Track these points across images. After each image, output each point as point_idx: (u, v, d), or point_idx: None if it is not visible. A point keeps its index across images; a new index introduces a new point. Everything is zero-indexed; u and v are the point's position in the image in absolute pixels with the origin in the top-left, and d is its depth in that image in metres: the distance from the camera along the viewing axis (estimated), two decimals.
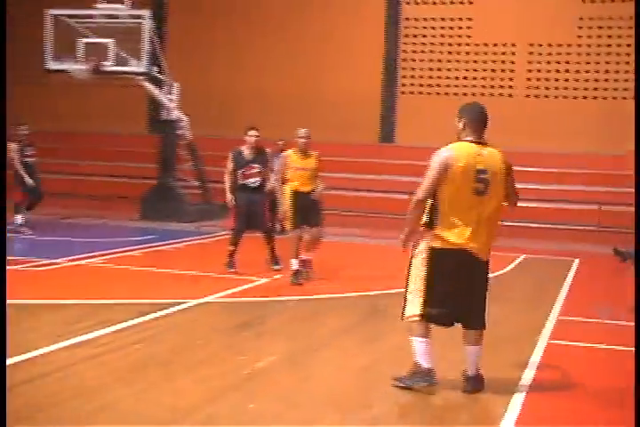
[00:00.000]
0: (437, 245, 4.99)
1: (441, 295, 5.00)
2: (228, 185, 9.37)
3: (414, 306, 5.03)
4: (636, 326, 6.49)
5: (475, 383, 5.12)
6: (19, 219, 12.28)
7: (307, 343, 6.22)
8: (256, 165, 9.31)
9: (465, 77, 17.25)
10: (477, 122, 5.07)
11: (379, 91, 17.74)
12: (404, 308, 5.12)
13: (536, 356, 6.06)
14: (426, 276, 5.02)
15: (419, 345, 5.08)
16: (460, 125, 5.09)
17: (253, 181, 9.29)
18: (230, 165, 9.42)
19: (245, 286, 8.58)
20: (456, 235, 4.94)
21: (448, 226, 4.95)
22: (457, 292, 5.01)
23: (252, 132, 9.36)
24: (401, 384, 5.15)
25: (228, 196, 9.33)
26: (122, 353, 5.65)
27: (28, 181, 12.18)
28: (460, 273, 5.00)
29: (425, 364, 5.08)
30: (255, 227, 9.50)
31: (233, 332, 6.55)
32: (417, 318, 5.04)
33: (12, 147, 12.25)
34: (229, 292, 8.25)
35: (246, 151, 9.38)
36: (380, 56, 17.71)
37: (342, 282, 9.36)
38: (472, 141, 5.05)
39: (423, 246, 5.05)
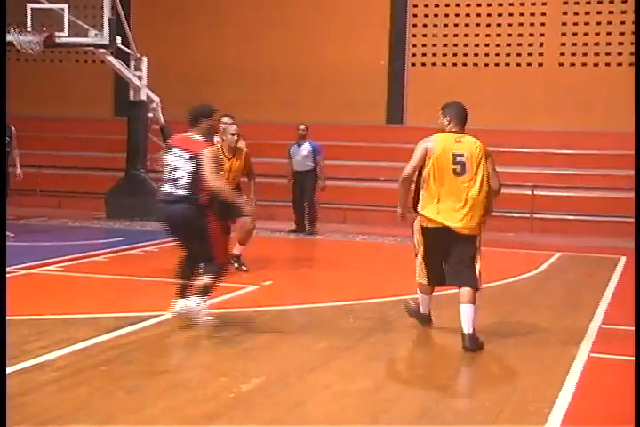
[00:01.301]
0: (426, 224, 6.67)
1: (435, 266, 6.78)
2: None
3: (421, 276, 6.90)
4: (636, 325, 6.76)
5: (471, 341, 6.55)
6: None
7: (300, 362, 6.23)
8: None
9: (486, 44, 17.26)
10: (460, 118, 6.79)
11: (385, 63, 17.75)
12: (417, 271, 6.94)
13: (575, 371, 6.07)
14: (422, 252, 6.79)
15: (421, 298, 7.10)
16: (446, 121, 6.76)
17: None
18: None
19: (230, 295, 8.60)
20: (441, 215, 6.58)
21: (433, 206, 6.59)
22: (448, 262, 6.74)
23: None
24: (407, 311, 7.31)
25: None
26: (84, 377, 5.66)
27: None
28: (448, 247, 6.67)
29: (422, 310, 7.14)
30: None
31: (214, 349, 6.56)
32: (422, 283, 6.96)
33: None
34: (210, 302, 8.25)
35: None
36: (386, 21, 17.71)
37: (343, 288, 9.39)
38: (454, 132, 6.72)
39: (417, 226, 6.77)
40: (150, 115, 15.47)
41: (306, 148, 13.93)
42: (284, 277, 9.34)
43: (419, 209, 6.67)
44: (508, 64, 17.20)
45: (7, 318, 7.30)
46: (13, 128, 12.48)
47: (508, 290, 9.40)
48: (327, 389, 5.58)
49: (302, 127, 14.05)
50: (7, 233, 12.45)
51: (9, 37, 13.80)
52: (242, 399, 5.31)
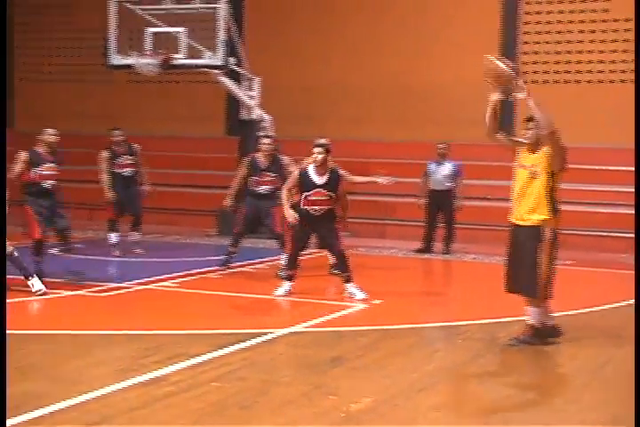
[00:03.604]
0: (557, 227, 7.23)
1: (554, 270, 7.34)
2: (232, 190, 11.25)
3: (549, 287, 7.24)
4: (636, 324, 6.93)
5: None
6: (112, 237, 12.67)
7: (409, 383, 6.23)
8: (270, 173, 10.95)
9: (601, 61, 16.94)
10: None
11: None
12: (535, 288, 7.20)
13: None
14: (552, 256, 7.22)
15: (541, 312, 7.38)
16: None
17: (265, 189, 10.93)
18: (243, 172, 11.03)
19: (339, 314, 8.67)
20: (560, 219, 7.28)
21: (558, 212, 7.23)
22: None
23: (267, 140, 11.18)
24: (520, 344, 7.30)
25: (228, 200, 11.32)
26: (197, 393, 5.79)
27: (109, 194, 12.43)
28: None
29: (550, 321, 7.48)
30: (258, 231, 11.41)
31: (324, 368, 6.62)
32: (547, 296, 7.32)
33: (102, 155, 12.55)
34: (320, 320, 8.35)
35: (261, 159, 11.00)
36: (495, 39, 17.57)
37: (452, 308, 9.36)
38: None
39: (550, 231, 7.16)
40: (261, 134, 15.68)
41: (448, 167, 13.86)
42: (393, 297, 9.37)
43: (554, 213, 7.20)
44: (623, 81, 16.84)
45: (125, 332, 7.60)
46: (137, 146, 12.79)
47: (617, 313, 9.19)
48: (437, 410, 5.58)
49: (442, 146, 13.94)
50: (137, 250, 12.76)
51: (129, 60, 14.29)
52: (352, 419, 5.35)
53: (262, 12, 19.00)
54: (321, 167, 9.31)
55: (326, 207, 9.30)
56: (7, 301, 8.90)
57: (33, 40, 20.57)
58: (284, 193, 9.50)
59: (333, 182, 9.32)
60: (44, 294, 9.10)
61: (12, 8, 20.69)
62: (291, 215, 9.27)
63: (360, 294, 9.32)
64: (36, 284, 9.15)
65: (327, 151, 9.34)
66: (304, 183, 9.31)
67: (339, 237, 9.45)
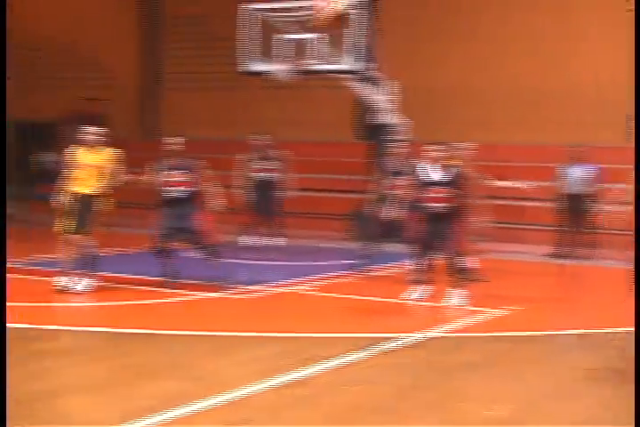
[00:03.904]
0: None
1: None
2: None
3: None
4: (635, 325, 6.73)
5: None
6: (246, 240, 12.85)
7: (545, 391, 6.14)
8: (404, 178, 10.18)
9: None
10: None
11: (622, 81, 17.03)
12: None
13: None
14: None
15: None
16: None
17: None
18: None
19: (476, 319, 8.61)
20: None
21: None
22: None
23: (398, 145, 11.14)
24: None
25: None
26: (336, 395, 5.84)
27: (244, 198, 12.55)
28: None
29: None
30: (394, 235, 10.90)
31: (461, 373, 6.59)
32: None
33: (240, 160, 12.71)
34: (457, 325, 8.31)
35: (394, 163, 11.00)
36: (624, 35, 17.01)
37: (589, 315, 9.23)
38: None
39: None
40: (395, 139, 15.62)
41: (582, 170, 13.58)
42: (530, 303, 9.21)
43: None
44: None
45: (263, 334, 7.70)
46: (277, 151, 12.90)
47: None
48: (576, 416, 5.47)
49: (574, 149, 13.70)
50: (272, 255, 12.86)
51: (263, 67, 14.47)
52: (489, 425, 5.28)
53: (384, 15, 18.91)
54: (439, 165, 9.30)
55: (443, 205, 9.22)
56: (148, 302, 9.23)
57: (172, 50, 21.20)
58: (399, 190, 9.73)
59: (453, 180, 9.27)
60: (62, 291, 9.33)
61: (163, 20, 21.49)
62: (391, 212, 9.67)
63: (454, 301, 9.20)
64: (64, 281, 9.39)
65: (444, 150, 9.36)
66: (420, 180, 9.37)
67: (457, 237, 9.31)
